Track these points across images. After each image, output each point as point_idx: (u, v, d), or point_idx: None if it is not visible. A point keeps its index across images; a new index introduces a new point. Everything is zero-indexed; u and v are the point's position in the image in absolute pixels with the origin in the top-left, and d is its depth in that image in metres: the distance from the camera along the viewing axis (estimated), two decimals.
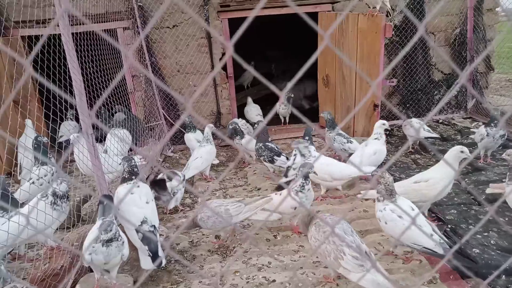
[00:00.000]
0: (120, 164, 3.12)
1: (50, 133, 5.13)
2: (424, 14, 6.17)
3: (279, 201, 3.24)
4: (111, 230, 2.34)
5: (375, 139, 4.26)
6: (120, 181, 3.03)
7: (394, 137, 6.02)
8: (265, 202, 3.27)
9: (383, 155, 4.23)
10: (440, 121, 6.51)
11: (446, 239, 2.64)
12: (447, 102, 6.67)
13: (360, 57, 5.32)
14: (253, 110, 6.53)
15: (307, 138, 4.30)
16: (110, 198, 2.72)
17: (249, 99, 6.78)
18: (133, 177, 3.01)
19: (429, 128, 5.26)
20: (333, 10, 6.17)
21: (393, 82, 5.69)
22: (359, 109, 5.48)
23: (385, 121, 4.31)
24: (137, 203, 2.97)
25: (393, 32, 5.48)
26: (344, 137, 4.74)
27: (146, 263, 2.80)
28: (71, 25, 5.26)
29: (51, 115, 3.72)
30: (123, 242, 2.43)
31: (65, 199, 2.96)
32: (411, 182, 3.38)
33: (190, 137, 5.31)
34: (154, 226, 2.93)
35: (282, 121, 6.73)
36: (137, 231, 2.86)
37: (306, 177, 3.20)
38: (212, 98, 6.38)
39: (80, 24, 5.39)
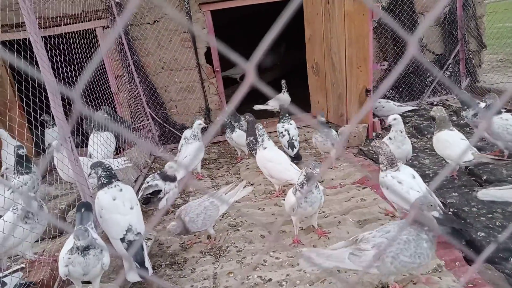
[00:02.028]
0: (91, 173, 2.85)
1: (34, 139, 4.93)
2: None
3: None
4: (85, 238, 2.14)
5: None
6: (98, 187, 2.80)
7: None
8: (242, 185, 3.38)
9: None
10: (435, 103, 6.36)
11: (441, 205, 2.75)
12: (441, 84, 6.52)
13: (349, 41, 5.14)
14: None
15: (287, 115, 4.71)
16: (88, 205, 2.54)
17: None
18: (112, 179, 2.81)
19: (400, 103, 5.65)
20: None
21: (384, 65, 5.52)
22: (351, 95, 5.31)
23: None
24: (120, 210, 2.75)
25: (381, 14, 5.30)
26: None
27: (131, 275, 2.62)
28: (47, 27, 5.08)
29: (33, 121, 3.55)
30: (101, 250, 2.24)
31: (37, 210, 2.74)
32: None
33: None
34: (140, 234, 2.75)
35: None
36: (122, 241, 2.67)
37: (308, 178, 2.87)
38: (200, 94, 6.18)
39: (57, 26, 5.18)
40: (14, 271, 2.36)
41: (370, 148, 3.17)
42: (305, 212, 2.94)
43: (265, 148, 3.96)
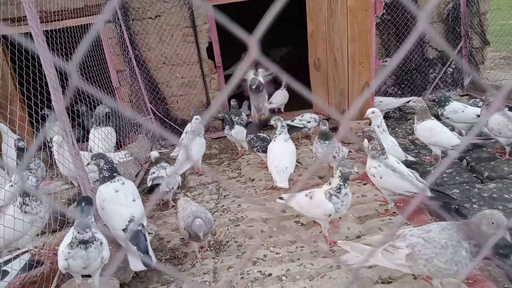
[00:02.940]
0: (91, 163, 2.85)
1: (36, 133, 4.93)
2: None
3: (307, 203, 2.87)
4: (87, 231, 2.14)
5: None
6: (100, 181, 2.81)
7: (390, 119, 5.84)
8: None
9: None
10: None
11: (427, 183, 3.01)
12: (443, 80, 6.49)
13: (351, 37, 5.11)
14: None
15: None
16: (89, 199, 2.54)
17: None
18: (115, 173, 2.82)
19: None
20: None
21: (386, 61, 5.49)
22: (353, 91, 5.29)
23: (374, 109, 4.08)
24: (123, 202, 2.80)
25: (384, 10, 5.27)
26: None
27: (136, 264, 2.64)
28: (49, 21, 5.07)
29: (34, 115, 3.55)
30: (101, 243, 2.24)
31: (35, 200, 2.74)
32: None
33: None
34: (142, 225, 2.76)
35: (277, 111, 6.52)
36: (124, 231, 2.69)
37: (346, 179, 2.71)
38: (201, 89, 6.17)
39: (58, 20, 5.17)
40: (23, 253, 2.38)
41: (363, 133, 3.14)
42: (339, 215, 2.86)
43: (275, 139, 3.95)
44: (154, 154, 4.34)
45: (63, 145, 3.90)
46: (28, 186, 2.68)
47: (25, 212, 2.65)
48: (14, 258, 2.34)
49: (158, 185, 3.71)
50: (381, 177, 3.06)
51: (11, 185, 3.45)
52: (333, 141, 3.93)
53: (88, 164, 2.95)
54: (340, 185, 2.70)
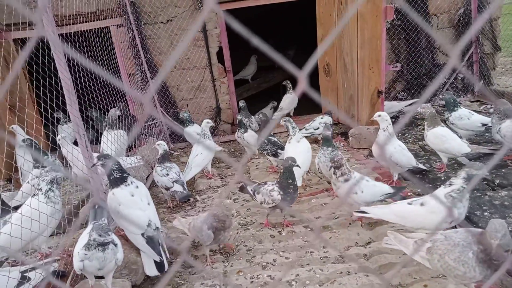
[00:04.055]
0: (98, 164, 2.84)
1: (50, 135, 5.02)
2: None
3: (414, 211, 2.62)
4: (107, 233, 2.18)
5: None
6: (112, 184, 2.82)
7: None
8: None
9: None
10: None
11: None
12: (454, 86, 6.45)
13: (361, 42, 5.12)
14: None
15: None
16: (102, 201, 2.58)
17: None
18: (125, 174, 2.85)
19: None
20: None
21: (396, 67, 5.48)
22: (362, 97, 5.29)
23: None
24: (140, 206, 2.82)
25: (394, 16, 5.27)
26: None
27: (151, 269, 2.68)
28: (63, 25, 5.16)
29: (50, 118, 3.63)
30: (116, 245, 2.28)
31: (59, 190, 2.84)
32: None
33: (190, 131, 5.19)
34: (158, 228, 2.81)
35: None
36: (143, 236, 2.72)
37: (469, 177, 2.44)
38: (211, 93, 6.22)
39: (72, 24, 5.26)
40: (47, 263, 2.42)
41: (333, 163, 3.20)
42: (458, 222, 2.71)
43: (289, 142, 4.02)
44: (163, 145, 4.05)
45: (63, 144, 3.99)
46: (58, 167, 2.75)
47: (49, 198, 2.72)
48: (37, 267, 2.37)
49: (189, 199, 3.78)
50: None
51: (27, 182, 3.54)
52: (336, 151, 3.62)
53: (94, 165, 2.92)
54: (463, 187, 2.48)
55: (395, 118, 5.64)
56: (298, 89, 0.69)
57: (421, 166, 3.98)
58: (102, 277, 2.47)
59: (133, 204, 2.79)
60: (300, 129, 5.11)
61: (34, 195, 2.79)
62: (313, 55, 0.77)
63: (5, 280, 2.11)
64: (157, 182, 3.92)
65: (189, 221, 3.04)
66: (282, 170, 3.19)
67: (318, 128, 5.16)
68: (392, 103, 5.78)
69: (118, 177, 2.77)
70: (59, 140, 4.02)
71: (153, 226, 2.75)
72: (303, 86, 0.69)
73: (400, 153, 3.67)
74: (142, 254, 2.77)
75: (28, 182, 3.61)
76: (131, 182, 2.82)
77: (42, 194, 2.77)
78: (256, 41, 0.73)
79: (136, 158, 4.18)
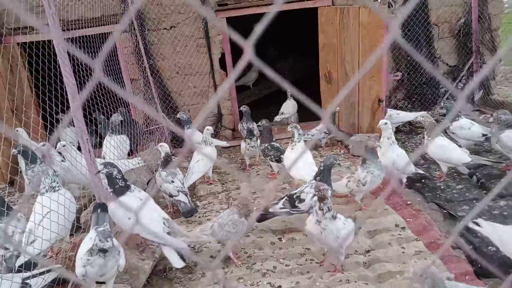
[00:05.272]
0: (103, 171, 2.86)
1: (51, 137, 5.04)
2: (427, 6, 6.01)
3: None
4: (108, 240, 2.20)
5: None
6: (117, 193, 2.83)
7: (400, 133, 5.86)
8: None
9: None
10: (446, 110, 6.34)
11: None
12: (453, 96, 6.49)
13: (363, 51, 5.17)
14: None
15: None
16: (104, 206, 2.60)
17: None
18: (127, 183, 2.90)
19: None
20: (333, 5, 6.01)
21: (397, 76, 5.54)
22: (363, 105, 5.33)
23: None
24: (153, 207, 2.96)
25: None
26: None
27: (177, 262, 2.77)
28: (66, 29, 5.21)
29: (54, 122, 3.66)
30: (118, 252, 2.30)
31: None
32: None
33: (190, 133, 5.19)
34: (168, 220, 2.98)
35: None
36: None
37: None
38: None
39: (76, 28, 5.31)
40: (47, 271, 2.44)
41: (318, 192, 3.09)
42: None
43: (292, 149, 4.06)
44: (166, 148, 3.97)
45: (69, 151, 4.01)
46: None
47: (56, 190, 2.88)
48: (40, 273, 2.39)
49: (192, 215, 3.81)
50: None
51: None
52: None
53: (99, 172, 2.95)
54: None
55: (396, 127, 5.67)
56: (244, 58, 0.72)
57: (420, 171, 4.06)
58: (102, 282, 2.48)
59: (148, 207, 2.87)
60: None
61: (42, 193, 2.88)
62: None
63: (7, 285, 2.13)
64: (160, 186, 3.90)
65: (209, 225, 3.04)
66: (321, 168, 3.22)
67: (314, 135, 5.21)
68: (405, 113, 5.65)
69: (123, 186, 2.81)
70: (59, 148, 4.02)
71: (167, 224, 2.86)
72: (248, 56, 0.72)
73: (401, 160, 3.72)
74: (165, 250, 2.81)
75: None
76: (134, 188, 2.87)
77: (51, 189, 2.90)
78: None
79: (137, 159, 4.20)
